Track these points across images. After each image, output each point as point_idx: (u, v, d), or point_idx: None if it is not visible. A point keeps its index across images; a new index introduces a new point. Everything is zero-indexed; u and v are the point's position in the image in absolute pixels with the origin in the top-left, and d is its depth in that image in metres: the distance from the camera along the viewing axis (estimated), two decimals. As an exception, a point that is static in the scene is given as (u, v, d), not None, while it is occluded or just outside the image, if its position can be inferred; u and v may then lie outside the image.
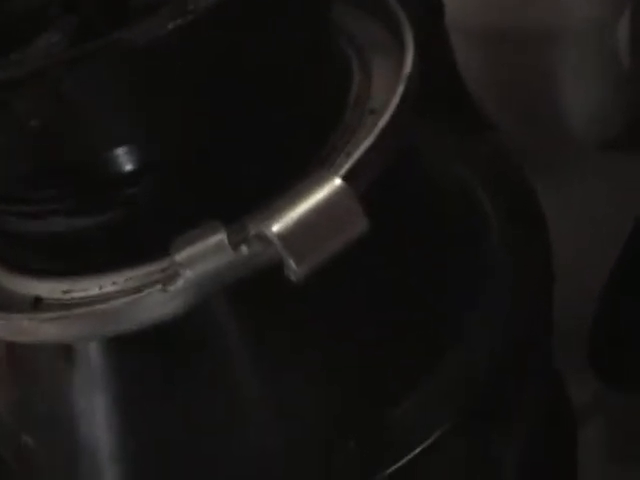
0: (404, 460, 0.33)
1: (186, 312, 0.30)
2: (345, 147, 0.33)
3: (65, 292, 0.33)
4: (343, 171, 0.30)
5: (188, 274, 0.29)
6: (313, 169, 0.32)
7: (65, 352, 0.33)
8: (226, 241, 0.29)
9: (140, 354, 0.34)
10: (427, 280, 0.36)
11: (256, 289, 0.31)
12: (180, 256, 0.29)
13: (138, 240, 0.32)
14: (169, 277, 0.30)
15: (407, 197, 0.36)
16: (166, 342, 0.33)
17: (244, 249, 0.29)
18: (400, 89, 0.33)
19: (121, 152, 0.30)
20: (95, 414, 0.35)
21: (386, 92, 0.35)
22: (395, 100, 0.33)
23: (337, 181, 0.29)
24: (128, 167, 0.31)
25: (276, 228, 0.28)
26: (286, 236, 0.28)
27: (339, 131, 0.34)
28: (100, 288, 0.32)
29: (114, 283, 0.32)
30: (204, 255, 0.29)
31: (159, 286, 0.29)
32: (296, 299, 0.32)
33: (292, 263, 0.28)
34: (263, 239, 0.29)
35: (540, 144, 0.58)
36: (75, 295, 0.32)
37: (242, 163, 0.32)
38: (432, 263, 0.36)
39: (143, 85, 0.29)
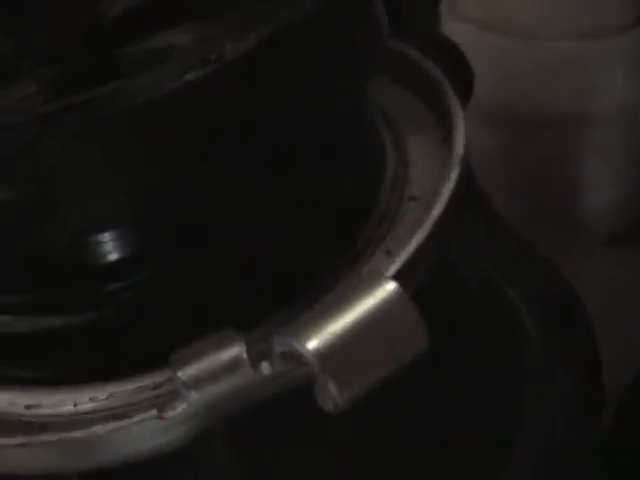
0: None
1: (186, 445, 0.23)
2: (384, 240, 0.27)
3: (29, 407, 0.26)
4: (393, 272, 0.24)
5: (193, 397, 0.22)
6: (347, 264, 0.26)
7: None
8: (244, 356, 0.22)
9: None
10: (468, 406, 0.29)
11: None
12: (184, 374, 0.22)
13: (124, 346, 0.25)
14: (167, 400, 0.23)
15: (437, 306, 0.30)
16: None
17: (266, 367, 0.22)
18: (454, 174, 0.27)
19: (106, 238, 0.24)
20: None
21: (428, 176, 0.29)
22: (449, 186, 0.26)
23: (391, 285, 0.22)
24: (113, 256, 0.24)
25: (313, 345, 0.22)
26: (326, 355, 0.21)
27: (373, 221, 0.28)
28: (75, 405, 0.25)
29: (92, 399, 0.25)
30: (216, 374, 0.22)
31: (154, 411, 0.23)
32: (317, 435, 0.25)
33: (332, 390, 0.21)
34: (293, 357, 0.22)
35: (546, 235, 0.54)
36: (42, 412, 0.25)
37: (258, 254, 0.26)
38: (472, 383, 0.30)
39: (144, 149, 0.23)
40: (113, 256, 0.25)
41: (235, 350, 0.22)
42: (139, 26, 0.29)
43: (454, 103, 0.30)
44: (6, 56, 0.29)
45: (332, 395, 0.22)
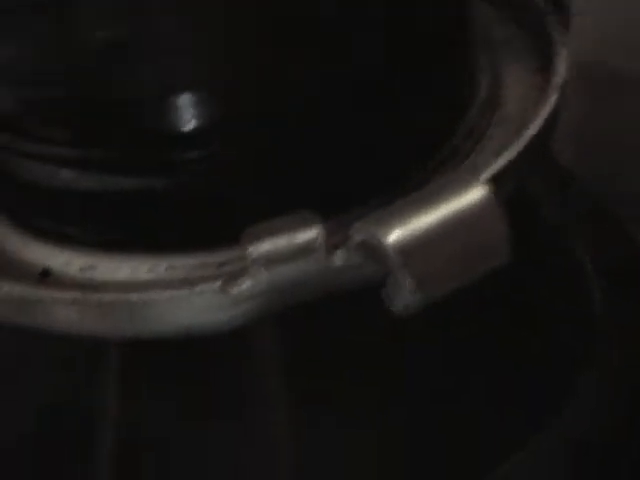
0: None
1: (246, 325, 0.22)
2: (471, 154, 0.26)
3: (84, 269, 0.25)
4: (486, 178, 0.23)
5: (262, 275, 0.21)
6: (432, 172, 0.25)
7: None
8: (320, 241, 0.21)
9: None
10: (534, 332, 0.28)
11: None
12: (255, 250, 0.21)
13: (191, 219, 0.24)
14: (232, 275, 0.22)
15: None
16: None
17: (340, 257, 0.21)
18: (552, 98, 0.26)
19: (187, 101, 0.23)
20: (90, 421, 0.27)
21: (522, 100, 0.28)
22: (546, 109, 0.25)
23: (484, 189, 0.21)
24: (192, 124, 0.24)
25: (394, 237, 0.20)
26: (408, 251, 0.20)
27: (462, 134, 0.27)
28: (132, 272, 0.24)
29: (151, 269, 0.24)
30: (288, 254, 0.21)
31: (217, 284, 0.21)
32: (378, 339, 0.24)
33: (408, 288, 0.20)
34: (372, 248, 0.21)
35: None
36: (96, 276, 0.25)
37: (348, 142, 0.25)
38: (537, 316, 0.30)
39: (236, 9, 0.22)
40: (193, 124, 0.23)
41: (311, 233, 0.21)
42: None
43: (556, 31, 0.29)
44: None
45: (405, 294, 0.21)
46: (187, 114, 0.23)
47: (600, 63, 0.50)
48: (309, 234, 0.21)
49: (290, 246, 0.21)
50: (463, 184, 0.21)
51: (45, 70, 0.22)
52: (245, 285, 0.22)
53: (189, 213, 0.25)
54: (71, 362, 0.28)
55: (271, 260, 0.21)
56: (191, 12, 0.22)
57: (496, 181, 0.24)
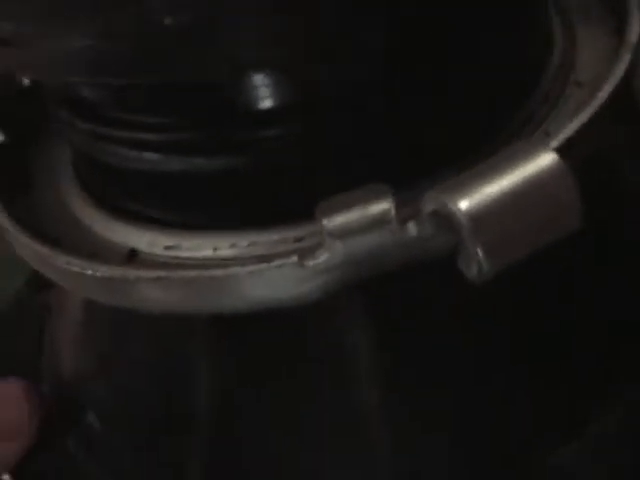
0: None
1: (324, 297, 0.22)
2: (545, 121, 0.26)
3: (168, 248, 0.26)
4: (555, 145, 0.23)
5: (337, 247, 0.22)
6: (504, 140, 0.25)
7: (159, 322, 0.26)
8: (393, 213, 0.21)
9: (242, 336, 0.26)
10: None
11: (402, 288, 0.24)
12: (330, 223, 0.22)
13: (271, 196, 0.25)
14: (309, 249, 0.22)
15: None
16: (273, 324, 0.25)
17: (413, 227, 0.22)
18: (625, 59, 0.25)
19: (268, 80, 0.24)
20: (185, 394, 0.28)
21: (597, 64, 0.28)
22: (617, 72, 0.25)
23: (552, 156, 0.21)
24: (270, 102, 0.24)
25: (465, 205, 0.21)
26: (478, 218, 0.21)
27: (537, 101, 0.27)
28: (214, 250, 0.25)
29: (233, 245, 0.25)
30: (362, 226, 0.22)
31: (294, 258, 0.22)
32: (459, 308, 0.24)
33: (480, 255, 0.21)
34: (444, 217, 0.21)
35: None
36: (181, 254, 0.26)
37: (420, 116, 0.25)
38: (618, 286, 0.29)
39: None
40: (271, 103, 0.24)
41: (384, 205, 0.22)
42: None
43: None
44: None
45: (479, 260, 0.21)
46: (263, 94, 0.24)
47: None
48: (382, 206, 0.22)
49: (364, 218, 0.22)
50: (531, 152, 0.22)
51: (125, 58, 0.23)
52: (321, 258, 0.22)
53: (268, 190, 0.25)
54: (166, 336, 0.29)
55: (345, 231, 0.22)
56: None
57: (568, 147, 0.24)
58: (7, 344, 0.39)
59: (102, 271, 0.24)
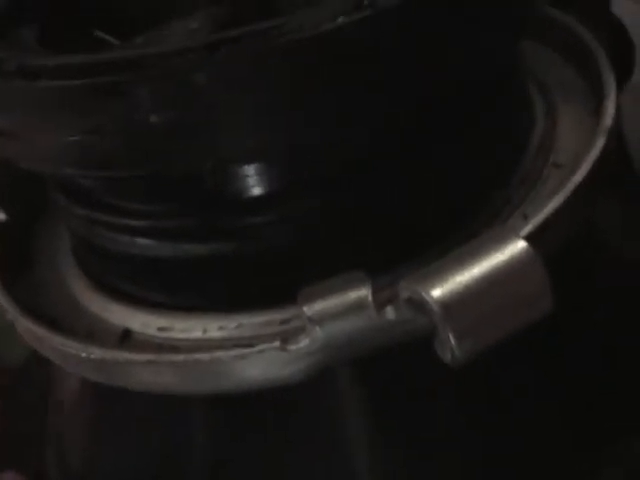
0: None
1: (306, 380, 0.23)
2: (522, 203, 0.27)
3: (161, 329, 0.27)
4: (526, 232, 0.24)
5: (317, 333, 0.23)
6: (482, 224, 0.26)
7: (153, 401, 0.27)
8: (370, 299, 0.22)
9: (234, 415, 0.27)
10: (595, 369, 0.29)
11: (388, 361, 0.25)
12: (310, 309, 0.23)
13: (257, 280, 0.26)
14: (291, 333, 0.23)
15: (576, 275, 0.29)
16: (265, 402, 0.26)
17: (390, 312, 0.23)
18: (599, 143, 0.26)
19: (252, 170, 0.25)
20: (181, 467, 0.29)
21: (575, 145, 0.29)
22: (593, 154, 0.26)
23: (521, 243, 0.22)
24: (257, 191, 0.25)
25: (437, 293, 0.22)
26: (449, 305, 0.22)
27: (515, 183, 0.28)
28: (204, 331, 0.26)
29: (221, 328, 0.26)
30: (340, 312, 0.23)
31: (277, 342, 0.23)
32: (436, 383, 0.25)
33: (452, 341, 0.22)
34: (417, 304, 0.22)
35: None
36: (173, 335, 0.27)
37: (397, 204, 0.26)
38: (609, 357, 0.30)
39: (289, 86, 0.23)
40: (257, 191, 0.25)
41: (361, 291, 0.23)
42: None
43: (608, 74, 0.29)
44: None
45: (451, 346, 0.22)
46: (246, 184, 0.25)
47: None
48: (359, 293, 0.23)
49: (342, 304, 0.23)
50: (501, 240, 0.23)
51: (111, 153, 0.24)
52: (302, 343, 0.23)
53: (254, 274, 0.26)
54: (162, 416, 0.29)
55: (325, 317, 0.23)
56: (244, 90, 0.23)
57: (542, 230, 0.25)
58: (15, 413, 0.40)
59: (95, 353, 0.26)
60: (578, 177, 0.26)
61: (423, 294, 0.22)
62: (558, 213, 0.25)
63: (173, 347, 0.26)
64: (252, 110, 0.23)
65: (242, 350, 0.24)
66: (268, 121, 0.23)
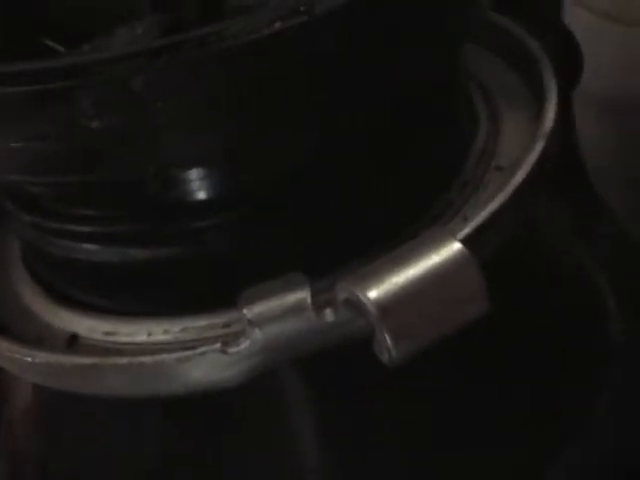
0: None
1: (245, 382, 0.24)
2: (463, 206, 0.27)
3: (107, 333, 0.27)
4: (463, 234, 0.24)
5: (256, 335, 0.23)
6: (423, 227, 0.26)
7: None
8: (309, 301, 0.23)
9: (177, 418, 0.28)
10: (538, 371, 0.30)
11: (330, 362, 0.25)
12: (250, 311, 0.23)
13: (201, 284, 0.26)
14: (232, 336, 0.24)
15: (518, 277, 0.30)
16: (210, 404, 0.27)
17: (329, 314, 0.23)
18: (539, 146, 0.27)
19: (194, 175, 0.25)
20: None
21: (517, 149, 0.29)
22: (532, 157, 0.27)
23: (457, 245, 0.23)
24: (199, 195, 0.26)
25: (374, 294, 0.22)
26: (386, 306, 0.22)
27: (457, 186, 0.28)
28: (149, 335, 0.26)
29: (166, 331, 0.26)
30: (279, 315, 0.23)
31: (218, 345, 0.23)
32: (375, 383, 0.26)
33: (388, 341, 0.22)
34: (354, 305, 0.23)
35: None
36: (119, 339, 0.27)
37: (337, 208, 0.26)
38: (545, 351, 0.30)
39: (228, 93, 0.23)
40: (199, 195, 0.26)
41: (301, 294, 0.23)
42: None
43: (549, 79, 0.30)
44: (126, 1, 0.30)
45: (387, 347, 0.22)
46: (188, 189, 0.25)
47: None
48: (298, 295, 0.23)
49: (282, 307, 0.23)
50: (437, 241, 0.23)
51: (56, 158, 0.25)
52: (243, 345, 0.24)
53: (197, 278, 0.27)
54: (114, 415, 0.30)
55: (265, 320, 0.23)
56: (184, 96, 0.24)
57: (479, 233, 0.25)
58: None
59: (40, 357, 0.26)
60: (517, 179, 0.27)
61: (360, 295, 0.22)
62: (496, 215, 0.26)
63: (119, 351, 0.27)
64: (192, 116, 0.23)
65: (184, 353, 0.24)
66: (207, 127, 0.24)
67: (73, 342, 0.28)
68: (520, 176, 0.26)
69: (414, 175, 0.27)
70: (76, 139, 0.24)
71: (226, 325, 0.26)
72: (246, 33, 0.22)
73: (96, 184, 0.25)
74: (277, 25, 0.22)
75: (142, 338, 0.27)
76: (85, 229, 0.27)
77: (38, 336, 0.28)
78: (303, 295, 0.23)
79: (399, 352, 0.22)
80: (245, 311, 0.23)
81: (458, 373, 0.27)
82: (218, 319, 0.26)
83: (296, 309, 0.23)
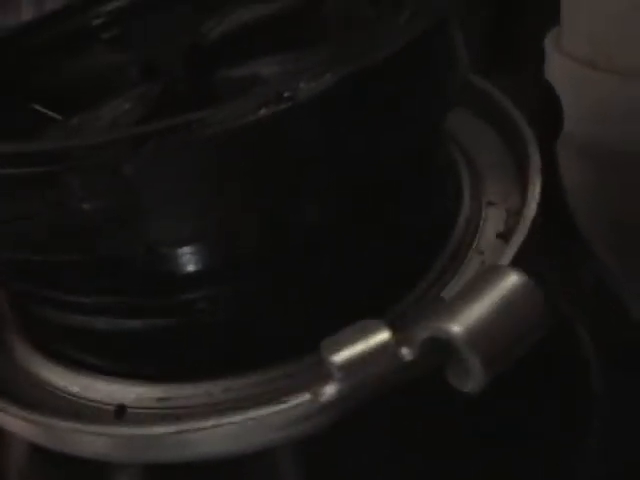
0: None
1: (334, 426, 0.25)
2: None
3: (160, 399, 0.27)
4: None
5: (346, 380, 0.24)
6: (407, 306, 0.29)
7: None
8: (392, 342, 0.25)
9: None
10: (518, 424, 0.31)
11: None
12: (338, 357, 0.24)
13: (192, 351, 0.28)
14: (318, 383, 0.25)
15: None
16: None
17: (407, 353, 0.25)
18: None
19: (183, 253, 0.26)
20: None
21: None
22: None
23: (520, 276, 0.25)
24: (188, 268, 0.27)
25: (458, 328, 0.24)
26: (474, 338, 0.24)
27: (433, 272, 0.30)
28: (209, 395, 0.27)
29: (227, 390, 0.27)
30: (366, 358, 0.24)
31: (307, 395, 0.25)
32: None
33: (478, 369, 0.24)
34: (440, 342, 0.24)
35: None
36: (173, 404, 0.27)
37: (312, 287, 0.28)
38: (525, 403, 0.32)
39: (216, 176, 0.25)
40: (188, 268, 0.26)
41: (382, 336, 0.25)
42: (232, 52, 0.31)
43: (531, 141, 0.32)
44: (117, 70, 0.31)
45: (476, 375, 0.24)
46: (174, 266, 0.26)
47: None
48: (381, 337, 0.25)
49: (368, 351, 0.25)
50: (499, 274, 0.25)
51: (44, 237, 0.25)
52: (334, 390, 0.25)
53: (188, 347, 0.28)
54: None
55: (352, 365, 0.25)
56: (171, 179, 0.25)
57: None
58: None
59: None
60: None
61: (448, 332, 0.24)
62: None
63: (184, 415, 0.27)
64: (179, 198, 0.24)
65: (274, 407, 0.25)
66: (195, 209, 0.25)
67: (120, 413, 0.28)
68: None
69: (393, 249, 0.29)
70: (65, 220, 0.24)
71: (288, 376, 0.27)
72: (231, 119, 0.24)
73: (87, 260, 0.26)
74: (262, 111, 0.24)
75: (202, 400, 0.27)
76: (75, 299, 0.27)
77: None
78: (385, 337, 0.25)
79: (487, 378, 0.24)
80: (333, 357, 0.24)
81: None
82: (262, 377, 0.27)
83: (380, 350, 0.25)
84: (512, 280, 0.25)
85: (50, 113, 0.31)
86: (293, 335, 0.27)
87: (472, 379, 0.25)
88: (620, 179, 0.53)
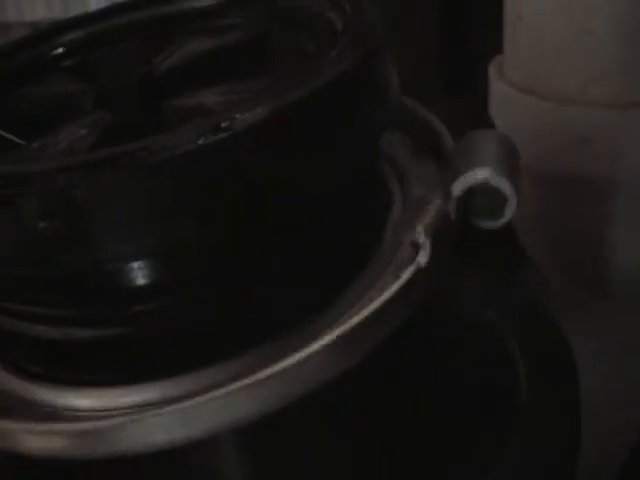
0: None
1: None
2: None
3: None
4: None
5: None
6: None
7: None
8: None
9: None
10: (448, 433, 0.32)
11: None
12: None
13: (140, 358, 0.30)
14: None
15: (431, 343, 0.33)
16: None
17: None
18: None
19: (127, 267, 0.27)
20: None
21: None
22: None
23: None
24: (135, 282, 0.27)
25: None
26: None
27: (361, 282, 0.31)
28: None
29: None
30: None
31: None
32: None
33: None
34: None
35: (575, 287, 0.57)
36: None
37: (267, 294, 0.29)
38: (454, 416, 0.33)
39: (160, 201, 0.26)
40: (136, 282, 0.27)
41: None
42: (182, 83, 0.33)
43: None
44: (75, 97, 0.33)
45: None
46: (130, 276, 0.27)
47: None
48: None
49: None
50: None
51: (9, 253, 0.27)
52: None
53: (137, 355, 0.29)
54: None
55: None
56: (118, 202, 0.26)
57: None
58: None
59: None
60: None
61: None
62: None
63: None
64: (126, 220, 0.26)
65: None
66: (140, 230, 0.26)
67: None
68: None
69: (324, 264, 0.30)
70: (21, 237, 0.26)
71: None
72: (173, 148, 0.26)
73: (41, 276, 0.28)
74: (200, 141, 0.26)
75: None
76: (35, 311, 0.29)
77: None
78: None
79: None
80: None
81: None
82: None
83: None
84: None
85: (12, 137, 0.33)
86: (235, 343, 0.29)
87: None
88: (559, 201, 0.55)
